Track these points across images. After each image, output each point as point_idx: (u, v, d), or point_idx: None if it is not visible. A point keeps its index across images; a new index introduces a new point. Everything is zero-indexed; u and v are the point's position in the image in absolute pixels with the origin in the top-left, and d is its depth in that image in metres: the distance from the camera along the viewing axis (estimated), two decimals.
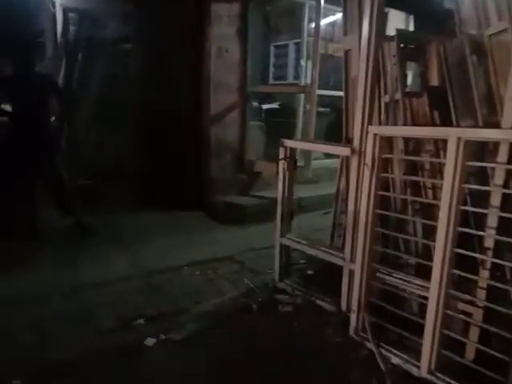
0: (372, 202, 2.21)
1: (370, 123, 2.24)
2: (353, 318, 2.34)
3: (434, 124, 2.37)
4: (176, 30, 4.74)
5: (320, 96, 4.94)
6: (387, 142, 2.29)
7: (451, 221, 1.85)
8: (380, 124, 2.47)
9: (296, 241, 2.86)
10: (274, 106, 7.06)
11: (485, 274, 1.91)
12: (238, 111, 4.96)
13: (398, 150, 2.38)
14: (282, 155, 2.74)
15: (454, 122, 2.29)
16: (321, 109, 5.57)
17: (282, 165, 2.77)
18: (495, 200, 1.87)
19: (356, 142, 2.31)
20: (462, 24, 2.54)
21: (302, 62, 5.65)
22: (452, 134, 1.81)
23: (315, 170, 5.15)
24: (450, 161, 1.81)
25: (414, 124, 2.41)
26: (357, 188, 2.33)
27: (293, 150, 2.77)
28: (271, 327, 2.49)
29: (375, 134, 2.17)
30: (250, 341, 2.35)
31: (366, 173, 2.22)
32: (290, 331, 2.43)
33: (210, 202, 4.82)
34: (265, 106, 6.76)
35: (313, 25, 4.87)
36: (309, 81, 4.95)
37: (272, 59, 8.76)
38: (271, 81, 8.67)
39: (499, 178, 1.85)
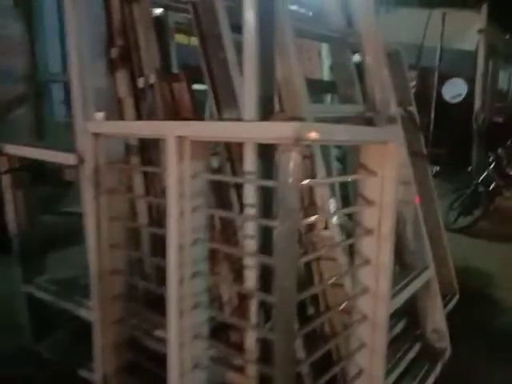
0: (103, 235, 1.51)
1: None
2: None
3: (198, 119, 1.75)
4: None
5: None
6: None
7: (183, 261, 1.23)
8: (122, 119, 1.77)
9: (44, 288, 2.03)
10: None
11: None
12: (27, 106, 3.90)
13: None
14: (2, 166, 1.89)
15: (216, 114, 1.69)
16: None
17: (5, 181, 1.92)
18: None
19: (82, 145, 1.58)
20: None
21: None
22: (169, 133, 1.17)
23: None
24: (171, 172, 1.18)
25: (174, 118, 1.77)
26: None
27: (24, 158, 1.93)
28: None
29: (95, 134, 1.46)
30: None
31: (91, 191, 1.50)
32: None
33: None
34: None
35: None
36: None
37: None
38: None
39: (250, 196, 1.28)
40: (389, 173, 1.37)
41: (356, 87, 2.58)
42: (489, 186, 4.49)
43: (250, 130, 1.00)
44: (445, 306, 2.64)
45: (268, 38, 1.33)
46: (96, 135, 1.45)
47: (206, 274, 1.27)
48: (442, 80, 7.29)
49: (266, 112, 1.27)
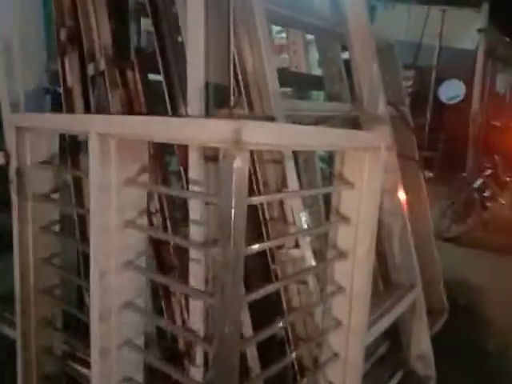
0: (29, 247, 1.26)
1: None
2: None
3: (150, 113, 1.50)
4: None
5: None
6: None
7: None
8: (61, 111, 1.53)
9: None
10: None
11: None
12: None
13: None
14: None
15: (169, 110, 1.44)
16: None
17: None
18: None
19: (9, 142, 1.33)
20: None
21: None
22: (91, 129, 0.93)
23: None
24: (92, 177, 0.94)
25: (125, 112, 1.52)
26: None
27: None
28: None
29: (19, 128, 1.21)
30: None
31: (13, 195, 1.26)
32: None
33: None
34: None
35: None
36: None
37: None
38: None
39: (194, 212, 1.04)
40: (369, 185, 1.14)
41: (344, 84, 2.35)
42: (484, 193, 4.28)
43: (180, 130, 0.76)
44: (432, 324, 2.43)
45: (222, 11, 1.09)
46: (19, 129, 1.20)
47: (140, 306, 1.03)
48: (440, 80, 7.08)
49: (219, 107, 1.03)
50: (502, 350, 2.45)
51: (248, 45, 1.42)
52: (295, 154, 1.60)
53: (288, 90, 2.69)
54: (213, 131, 0.72)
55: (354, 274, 1.18)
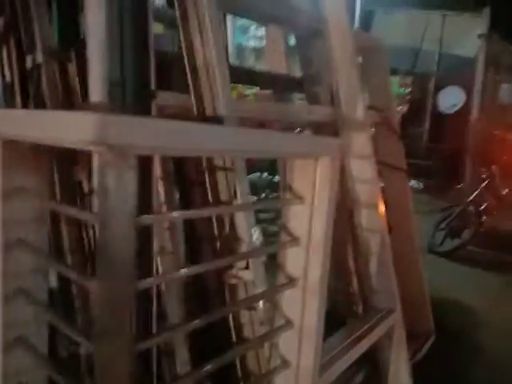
0: None
1: None
2: None
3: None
4: None
5: None
6: None
7: None
8: None
9: None
10: None
11: None
12: None
13: None
14: None
15: None
16: None
17: None
18: None
19: None
20: None
21: None
22: None
23: None
24: None
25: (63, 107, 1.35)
26: None
27: None
28: None
29: None
30: None
31: None
32: None
33: None
34: None
35: None
36: None
37: None
38: None
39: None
40: (320, 199, 0.96)
41: (324, 86, 2.18)
42: (480, 206, 4.07)
43: (44, 126, 0.59)
44: (417, 350, 2.24)
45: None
46: None
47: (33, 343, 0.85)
48: (440, 87, 6.90)
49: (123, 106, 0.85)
50: (492, 381, 2.25)
51: (198, 39, 1.26)
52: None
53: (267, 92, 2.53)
54: (69, 128, 0.54)
55: (303, 304, 0.99)
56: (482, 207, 4.07)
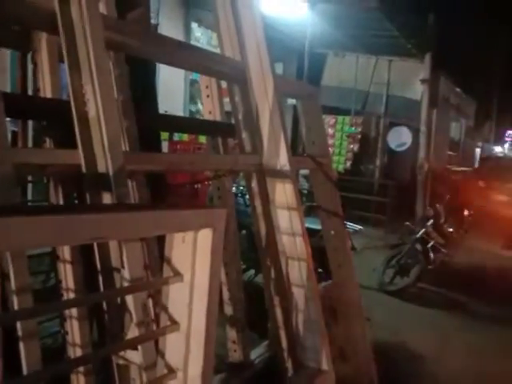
0: None
1: None
2: None
3: None
4: None
5: None
6: None
7: None
8: None
9: None
10: None
11: None
12: None
13: None
14: None
15: None
16: None
17: None
18: None
19: None
20: None
21: None
22: None
23: None
24: None
25: None
26: None
27: None
28: None
29: None
30: None
31: None
32: None
33: None
34: None
35: None
36: None
37: None
38: None
39: None
40: (199, 278, 0.84)
41: (249, 133, 2.13)
42: (427, 244, 4.09)
43: None
44: None
45: None
46: None
47: None
48: (389, 127, 7.14)
49: None
50: None
51: (90, 84, 1.16)
52: None
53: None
54: None
55: None
56: (429, 245, 4.09)
